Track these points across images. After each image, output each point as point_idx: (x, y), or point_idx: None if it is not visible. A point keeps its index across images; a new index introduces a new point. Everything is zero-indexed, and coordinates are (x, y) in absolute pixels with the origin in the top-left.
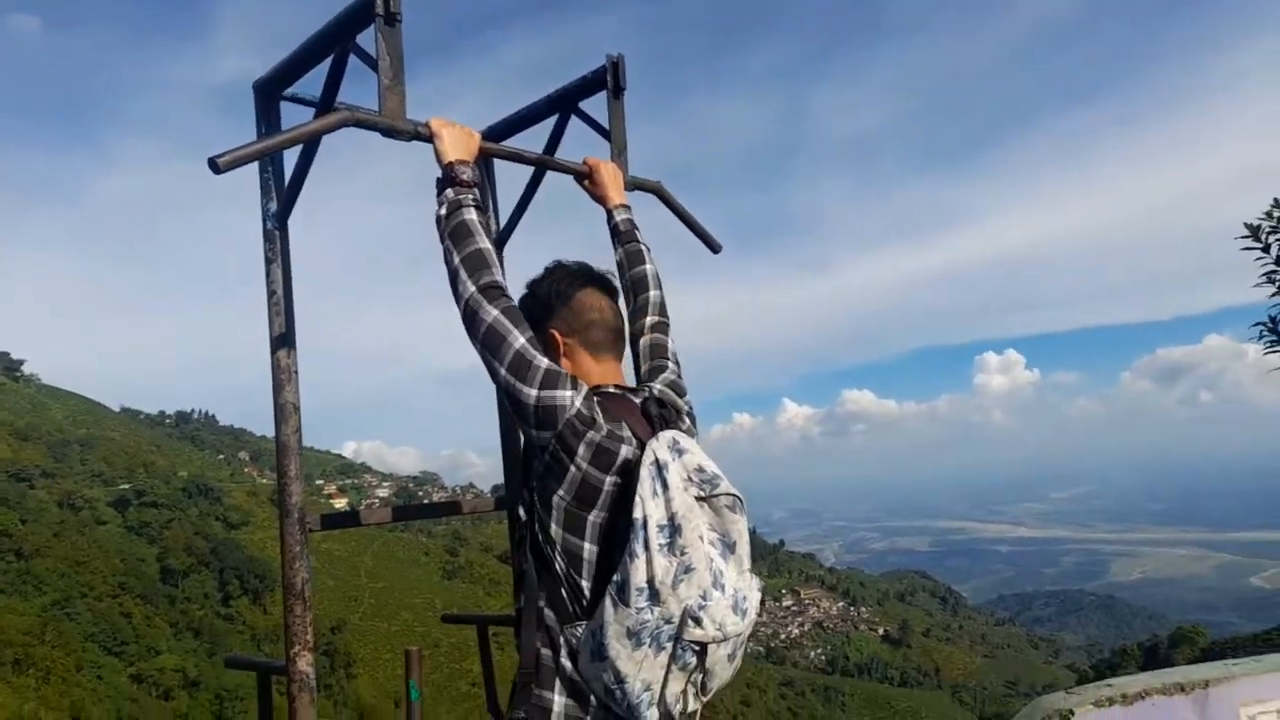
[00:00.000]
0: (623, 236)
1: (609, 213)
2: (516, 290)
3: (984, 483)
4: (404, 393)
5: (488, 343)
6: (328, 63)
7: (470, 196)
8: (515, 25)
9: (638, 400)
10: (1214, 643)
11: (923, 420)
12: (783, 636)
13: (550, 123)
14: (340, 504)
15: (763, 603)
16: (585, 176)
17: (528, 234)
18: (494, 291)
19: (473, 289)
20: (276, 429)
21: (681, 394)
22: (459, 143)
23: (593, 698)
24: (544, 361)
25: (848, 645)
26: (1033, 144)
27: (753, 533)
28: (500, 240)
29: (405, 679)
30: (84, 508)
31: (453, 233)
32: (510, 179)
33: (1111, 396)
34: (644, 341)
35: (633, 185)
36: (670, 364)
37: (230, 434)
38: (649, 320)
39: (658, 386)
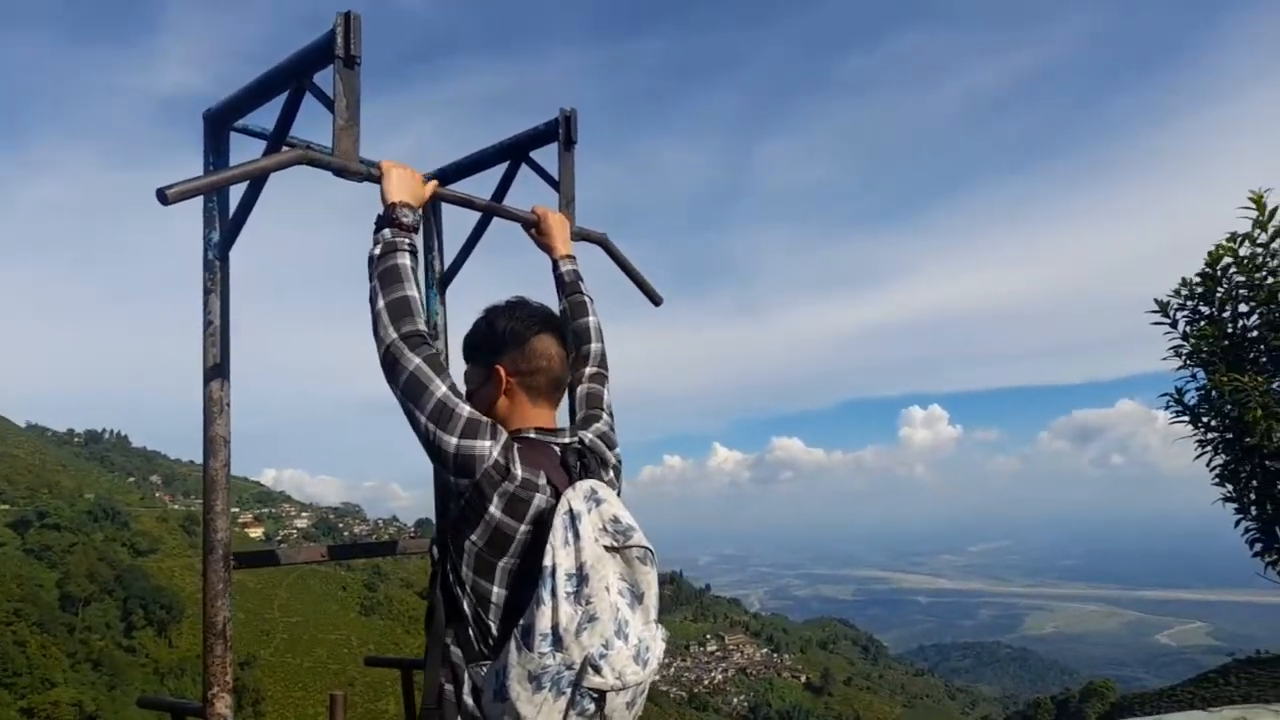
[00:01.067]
0: (567, 288)
1: (555, 263)
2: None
3: (905, 533)
4: (327, 420)
5: (409, 391)
6: (281, 97)
7: (407, 242)
8: (468, 57)
9: (558, 448)
10: (1123, 697)
11: (849, 470)
12: (706, 682)
13: (500, 170)
14: (256, 534)
15: (667, 652)
16: (533, 225)
17: (472, 272)
18: (415, 339)
19: (394, 335)
20: (205, 463)
21: (611, 446)
22: (405, 185)
23: None
24: (465, 410)
25: (770, 692)
26: (966, 208)
27: (678, 577)
28: (444, 280)
29: None
30: None
31: (383, 274)
32: (457, 220)
33: (1029, 455)
34: (581, 390)
35: (579, 236)
36: (604, 415)
37: (143, 456)
38: (588, 370)
39: (588, 436)
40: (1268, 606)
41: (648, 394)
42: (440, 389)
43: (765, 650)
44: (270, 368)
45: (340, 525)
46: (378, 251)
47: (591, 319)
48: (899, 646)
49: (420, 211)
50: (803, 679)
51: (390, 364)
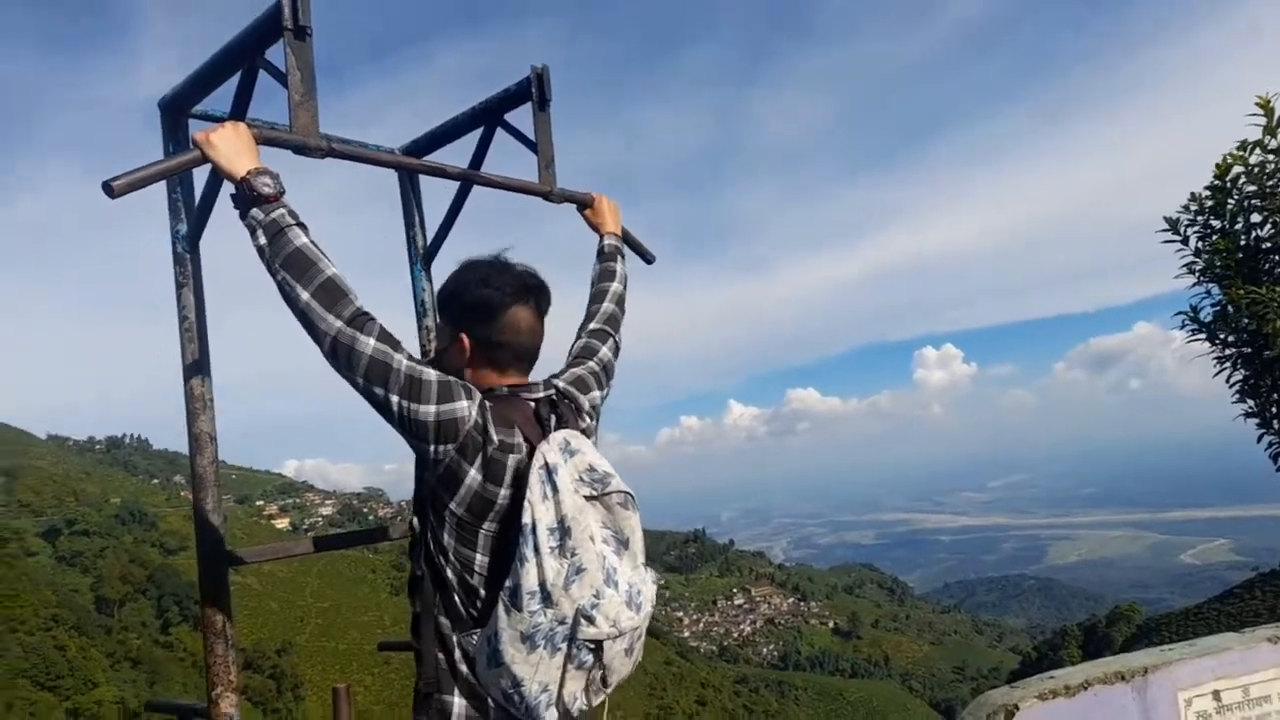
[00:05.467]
0: (604, 255)
1: (601, 236)
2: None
3: (925, 475)
4: (345, 407)
5: (373, 376)
6: (235, 78)
7: (285, 213)
8: (444, 37)
9: (532, 402)
10: (1149, 619)
11: (865, 416)
12: (735, 635)
13: (476, 136)
14: (282, 525)
15: (660, 595)
16: (586, 206)
17: (458, 244)
18: (361, 319)
19: (339, 325)
20: (191, 461)
21: (586, 390)
22: (238, 147)
23: (490, 700)
24: (433, 375)
25: (799, 640)
26: (964, 142)
27: (701, 534)
28: (428, 256)
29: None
30: (11, 539)
31: (286, 263)
32: (438, 192)
33: (1045, 386)
34: (576, 344)
35: (563, 198)
36: (590, 363)
37: (165, 458)
38: (590, 326)
39: (561, 384)
40: None
41: (660, 359)
42: (403, 363)
43: (792, 599)
44: (288, 360)
45: (365, 510)
46: (263, 241)
47: (614, 285)
48: (924, 586)
49: (274, 173)
50: (830, 625)
51: (345, 355)
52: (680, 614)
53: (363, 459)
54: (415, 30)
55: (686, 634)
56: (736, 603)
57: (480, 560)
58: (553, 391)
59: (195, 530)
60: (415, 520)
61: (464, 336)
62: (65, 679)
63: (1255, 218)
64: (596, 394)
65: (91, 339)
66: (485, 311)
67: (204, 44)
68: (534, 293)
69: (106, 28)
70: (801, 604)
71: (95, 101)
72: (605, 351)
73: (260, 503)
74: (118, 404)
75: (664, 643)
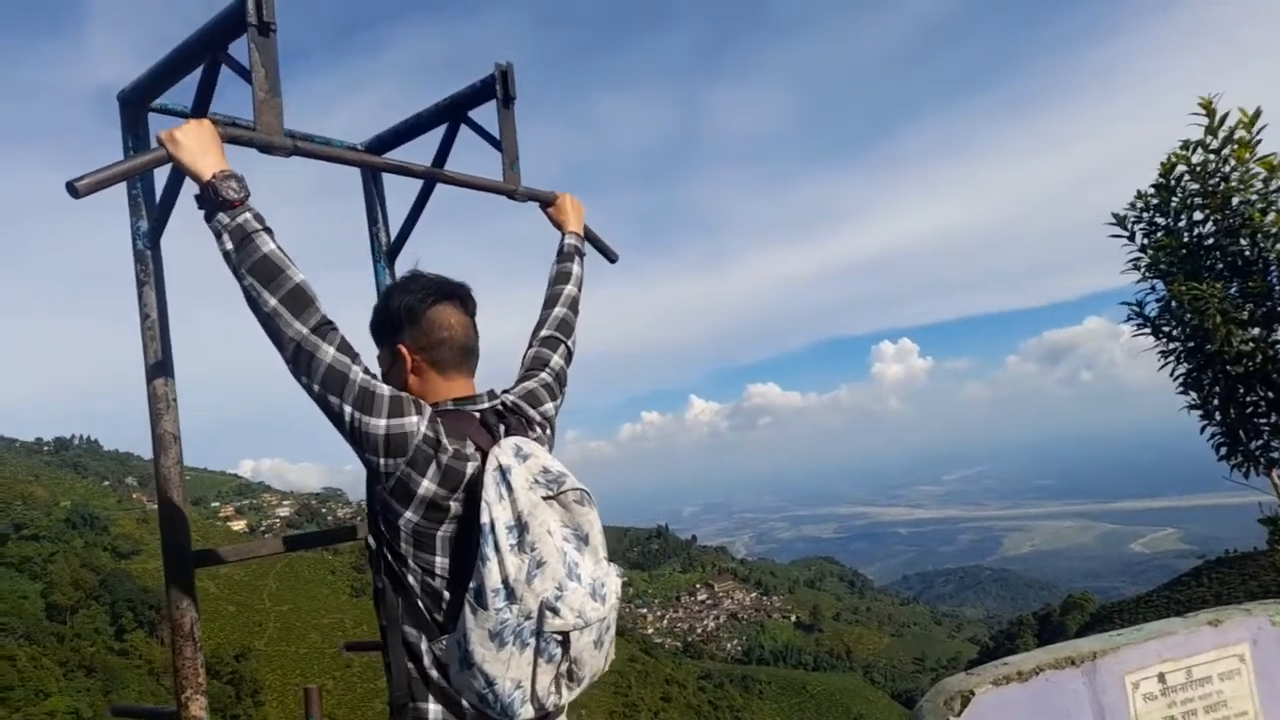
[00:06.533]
0: (562, 255)
1: (563, 235)
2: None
3: (883, 468)
4: (302, 406)
5: (329, 384)
6: (197, 73)
7: (250, 217)
8: (398, 24)
9: (477, 412)
10: (1101, 607)
11: (825, 410)
12: (699, 630)
13: (439, 132)
14: (238, 526)
15: (624, 592)
16: (549, 204)
17: (422, 240)
18: (324, 328)
19: (304, 332)
20: (155, 461)
21: (537, 403)
22: (204, 147)
23: (465, 703)
24: (385, 389)
25: (762, 634)
26: (921, 137)
27: (664, 530)
28: (391, 253)
29: (305, 718)
30: None
31: (255, 269)
32: (402, 186)
33: (998, 380)
34: (529, 353)
35: (528, 196)
36: (542, 374)
37: (116, 459)
38: (541, 333)
39: (510, 398)
40: (1234, 508)
41: (621, 354)
42: (359, 374)
43: (755, 594)
44: (242, 360)
45: (324, 511)
46: (230, 246)
47: (568, 288)
48: (883, 578)
49: (240, 176)
50: (793, 618)
51: (306, 361)
52: (644, 611)
53: (321, 459)
54: (372, 16)
55: (651, 631)
56: (700, 598)
57: (441, 562)
58: (498, 403)
59: (161, 531)
60: (371, 538)
61: (401, 348)
62: (16, 689)
63: (1197, 215)
64: (550, 405)
65: (38, 337)
66: (411, 315)
67: (163, 35)
68: (453, 290)
69: (59, 10)
70: (764, 598)
71: (43, 89)
72: (557, 360)
73: (215, 504)
74: (66, 403)
75: (628, 640)
